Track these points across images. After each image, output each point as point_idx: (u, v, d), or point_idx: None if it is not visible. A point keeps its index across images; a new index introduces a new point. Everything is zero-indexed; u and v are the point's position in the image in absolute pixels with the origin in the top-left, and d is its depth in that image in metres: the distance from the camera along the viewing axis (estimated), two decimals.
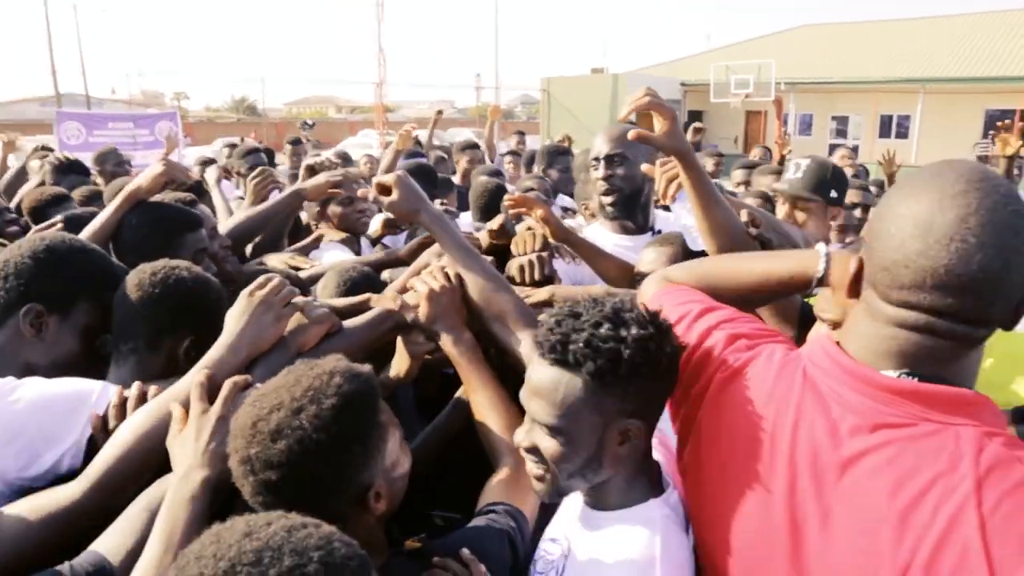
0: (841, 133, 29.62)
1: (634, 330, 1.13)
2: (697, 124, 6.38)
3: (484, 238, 2.31)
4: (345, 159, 6.71)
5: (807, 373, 1.09)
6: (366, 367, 1.23)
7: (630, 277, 2.19)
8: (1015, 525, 0.86)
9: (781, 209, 2.89)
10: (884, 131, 28.25)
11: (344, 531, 0.95)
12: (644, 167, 2.26)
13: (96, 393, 1.50)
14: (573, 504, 1.35)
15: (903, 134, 27.13)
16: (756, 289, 1.38)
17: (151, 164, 2.40)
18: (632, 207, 2.50)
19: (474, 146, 5.83)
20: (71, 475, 1.38)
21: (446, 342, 1.64)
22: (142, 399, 1.46)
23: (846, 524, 0.97)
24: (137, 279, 1.66)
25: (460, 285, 1.70)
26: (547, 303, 1.89)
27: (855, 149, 28.12)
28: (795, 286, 1.33)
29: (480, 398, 1.57)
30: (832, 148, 28.05)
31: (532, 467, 1.23)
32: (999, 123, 4.43)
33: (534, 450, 1.20)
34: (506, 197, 2.49)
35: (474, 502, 1.47)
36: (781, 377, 1.11)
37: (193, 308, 1.68)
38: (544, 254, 2.23)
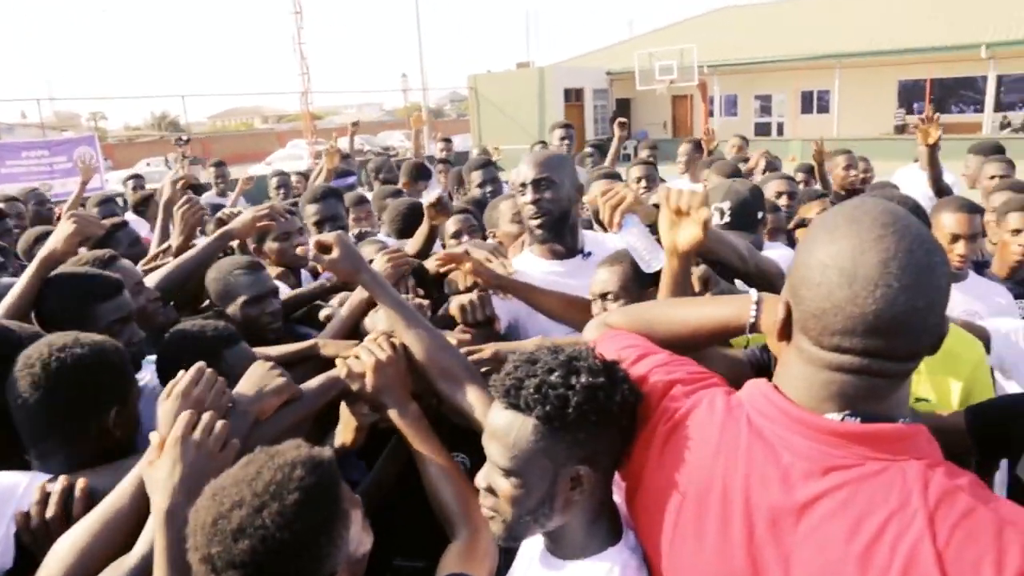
0: (765, 111, 30.38)
1: (584, 378, 1.15)
2: (620, 119, 6.38)
3: (413, 246, 2.35)
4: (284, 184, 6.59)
5: (751, 421, 1.10)
6: (327, 452, 1.20)
7: (577, 308, 2.23)
8: (968, 554, 0.90)
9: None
10: (806, 107, 29.07)
11: None
12: (587, 198, 2.28)
13: (22, 487, 1.45)
14: (533, 550, 1.34)
15: (824, 108, 27.97)
16: (693, 336, 1.40)
17: (66, 208, 2.29)
18: (561, 229, 2.51)
19: (486, 164, 5.24)
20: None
21: (393, 414, 1.63)
22: (69, 492, 1.43)
23: (807, 569, 0.99)
24: (29, 378, 1.56)
25: (405, 354, 1.70)
26: (492, 360, 1.91)
27: (780, 127, 29.13)
28: (730, 332, 1.36)
29: (431, 469, 1.56)
30: (758, 127, 28.76)
31: (486, 509, 1.25)
32: (921, 117, 4.60)
33: (490, 490, 1.22)
34: (434, 257, 2.52)
35: (436, 548, 1.46)
36: (726, 427, 1.12)
37: (106, 379, 1.62)
38: (484, 294, 2.32)
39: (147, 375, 2.13)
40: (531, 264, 2.57)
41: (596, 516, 1.24)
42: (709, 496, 1.09)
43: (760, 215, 2.90)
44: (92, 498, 1.46)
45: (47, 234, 3.27)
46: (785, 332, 1.09)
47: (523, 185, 2.44)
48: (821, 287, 1.00)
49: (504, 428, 1.18)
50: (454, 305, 2.28)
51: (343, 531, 1.15)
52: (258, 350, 2.28)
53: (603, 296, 2.16)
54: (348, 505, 1.18)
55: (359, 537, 1.20)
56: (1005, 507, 0.95)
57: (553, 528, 1.24)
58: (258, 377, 1.64)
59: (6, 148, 14.29)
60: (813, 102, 28.90)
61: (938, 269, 0.98)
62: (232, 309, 2.48)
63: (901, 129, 26.09)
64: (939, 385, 1.92)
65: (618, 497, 1.34)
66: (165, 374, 1.99)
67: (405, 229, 3.63)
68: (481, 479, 1.24)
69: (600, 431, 1.17)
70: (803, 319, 1.04)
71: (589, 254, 2.54)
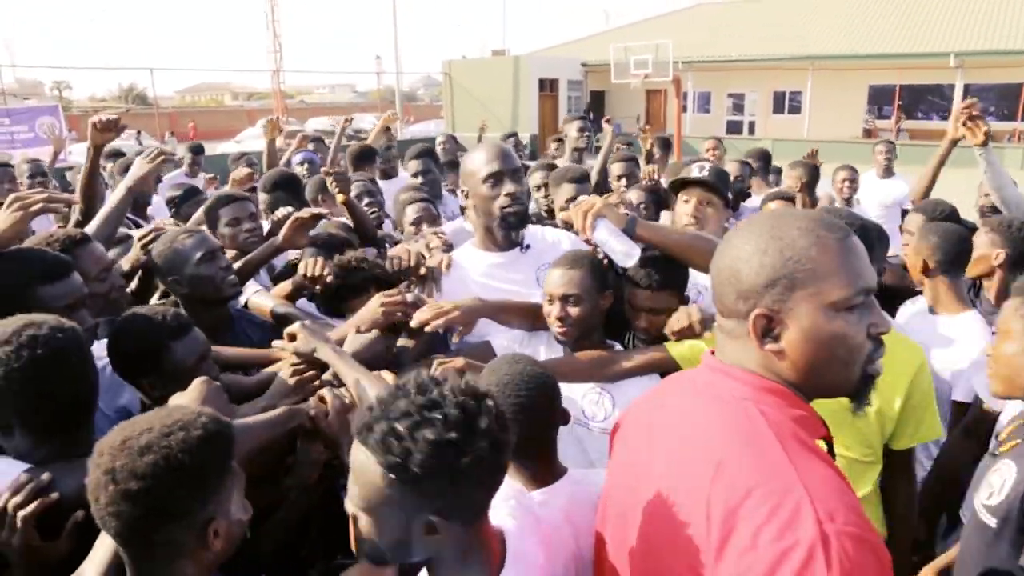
0: (738, 109, 30.65)
1: (430, 433, 1.07)
2: (606, 118, 6.40)
3: None
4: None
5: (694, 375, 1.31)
6: (230, 421, 1.35)
7: (534, 315, 2.31)
8: (738, 473, 1.04)
9: (684, 207, 2.90)
10: (778, 107, 29.40)
11: (174, 561, 1.21)
12: (562, 216, 2.35)
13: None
14: None
15: (796, 109, 28.31)
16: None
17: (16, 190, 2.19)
18: (525, 223, 2.55)
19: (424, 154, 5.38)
20: None
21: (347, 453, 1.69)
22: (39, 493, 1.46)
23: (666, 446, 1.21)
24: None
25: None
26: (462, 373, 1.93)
27: (751, 125, 29.42)
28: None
29: None
30: (730, 125, 29.00)
31: (352, 535, 1.20)
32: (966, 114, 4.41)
33: (354, 519, 1.17)
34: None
35: None
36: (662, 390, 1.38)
37: (69, 360, 1.59)
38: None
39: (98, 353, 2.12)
40: (471, 256, 2.59)
41: (467, 554, 1.19)
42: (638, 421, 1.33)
43: (728, 194, 3.01)
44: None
45: None
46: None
47: (495, 176, 2.42)
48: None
49: (357, 468, 1.13)
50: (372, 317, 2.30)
51: (229, 484, 1.28)
52: (215, 349, 2.26)
53: (564, 299, 2.18)
54: (237, 469, 1.32)
55: (240, 504, 1.31)
56: (804, 460, 1.04)
57: (420, 562, 1.19)
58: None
59: None
60: (785, 102, 29.23)
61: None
62: (188, 271, 2.45)
63: (868, 133, 26.50)
64: (881, 389, 1.92)
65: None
66: (117, 358, 1.98)
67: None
68: (347, 505, 1.17)
69: (452, 486, 1.09)
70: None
71: (528, 247, 2.56)
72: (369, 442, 1.10)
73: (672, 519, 1.09)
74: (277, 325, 2.63)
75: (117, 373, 2.01)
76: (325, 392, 1.81)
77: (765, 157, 6.16)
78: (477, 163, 2.45)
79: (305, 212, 2.76)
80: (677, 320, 2.13)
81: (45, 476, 1.46)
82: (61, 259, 2.07)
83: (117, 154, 6.40)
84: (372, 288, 2.48)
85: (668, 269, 2.21)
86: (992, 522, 1.70)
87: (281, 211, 3.32)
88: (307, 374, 1.93)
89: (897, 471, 2.22)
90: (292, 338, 2.00)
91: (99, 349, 2.06)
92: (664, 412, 1.25)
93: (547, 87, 29.47)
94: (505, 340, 2.37)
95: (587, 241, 2.26)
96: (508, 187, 2.41)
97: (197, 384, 1.69)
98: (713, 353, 1.24)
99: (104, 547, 1.37)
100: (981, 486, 1.80)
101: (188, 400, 1.64)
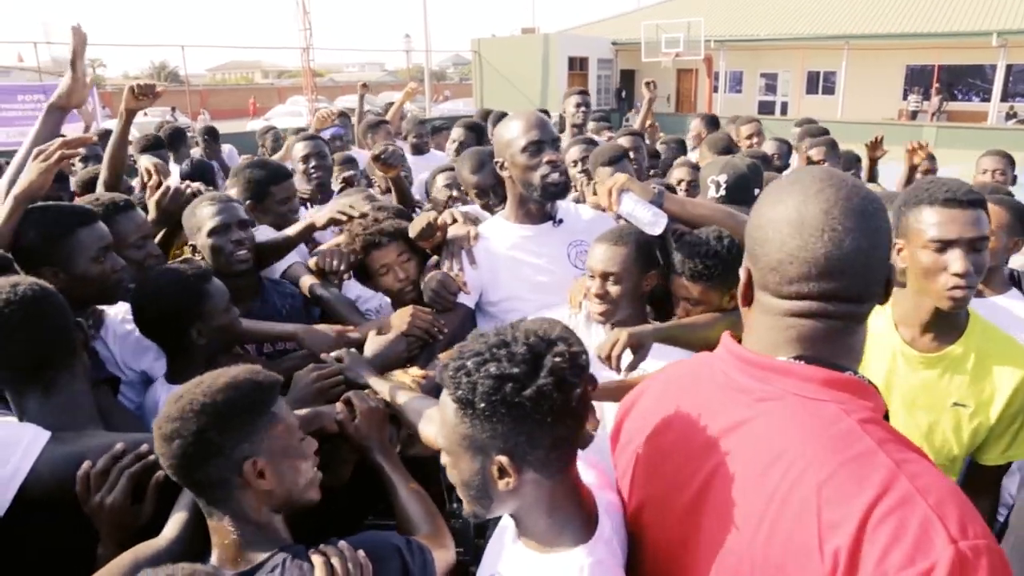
0: (771, 89, 30.16)
1: (493, 367, 1.10)
2: (648, 80, 5.97)
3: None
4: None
5: (711, 368, 1.21)
6: (273, 375, 1.46)
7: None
8: (846, 490, 0.94)
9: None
10: (811, 87, 28.87)
11: (229, 498, 1.33)
12: (591, 200, 2.35)
13: (25, 442, 1.47)
14: (506, 534, 1.33)
15: (830, 90, 27.80)
16: None
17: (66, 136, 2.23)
18: (566, 192, 2.53)
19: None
20: None
21: (376, 455, 1.79)
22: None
23: (723, 484, 1.09)
24: (15, 316, 1.55)
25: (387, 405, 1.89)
26: None
27: (784, 106, 28.94)
28: None
29: (402, 492, 1.72)
30: (762, 105, 28.56)
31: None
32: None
33: (445, 464, 1.23)
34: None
35: None
36: (684, 380, 1.26)
37: (47, 320, 1.61)
38: (447, 275, 2.44)
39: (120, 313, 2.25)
40: (499, 228, 2.57)
41: (553, 509, 1.20)
42: (668, 436, 1.23)
43: (757, 191, 2.86)
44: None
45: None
46: (747, 296, 1.16)
47: (536, 144, 2.39)
48: (774, 242, 1.08)
49: (441, 409, 1.18)
50: (426, 295, 2.38)
51: (267, 426, 1.38)
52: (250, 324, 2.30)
53: (604, 276, 2.14)
54: (282, 415, 1.42)
55: (291, 449, 1.42)
56: (909, 464, 0.96)
57: (508, 512, 1.23)
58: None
59: (2, 91, 14.08)
60: (819, 83, 28.69)
61: (877, 214, 1.06)
62: (200, 240, 2.47)
63: (914, 115, 25.95)
64: (982, 391, 1.84)
65: (593, 478, 1.34)
66: (140, 314, 2.07)
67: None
68: (442, 455, 1.23)
69: (517, 424, 1.10)
70: (762, 276, 1.11)
71: (560, 221, 2.54)
72: (445, 379, 1.15)
73: (764, 540, 1.00)
74: (310, 302, 2.64)
75: (147, 334, 2.09)
76: (352, 395, 1.84)
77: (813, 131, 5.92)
78: (515, 132, 2.42)
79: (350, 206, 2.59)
80: (601, 346, 1.95)
81: (144, 447, 1.53)
82: (86, 207, 2.18)
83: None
84: (401, 238, 2.47)
85: (710, 259, 2.12)
86: None
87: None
88: (332, 380, 1.95)
89: (979, 491, 1.89)
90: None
91: (124, 311, 2.17)
92: (712, 414, 1.15)
93: (577, 66, 29.23)
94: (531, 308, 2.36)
95: (617, 218, 2.24)
96: (549, 155, 2.39)
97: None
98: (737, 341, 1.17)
99: (182, 504, 1.50)
100: None
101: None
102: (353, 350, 2.09)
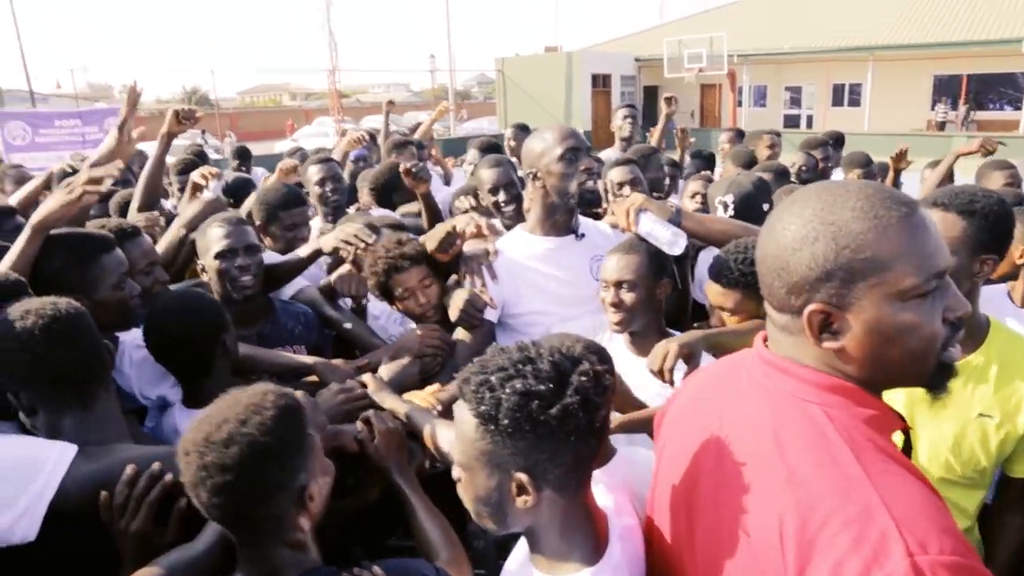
0: (795, 103, 29.98)
1: (518, 383, 1.10)
2: (668, 95, 5.85)
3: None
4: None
5: (742, 367, 1.21)
6: (292, 391, 1.43)
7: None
8: (808, 493, 0.96)
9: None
10: (837, 100, 28.66)
11: (280, 531, 1.28)
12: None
13: (52, 460, 1.48)
14: (520, 552, 1.34)
15: (855, 102, 27.56)
16: None
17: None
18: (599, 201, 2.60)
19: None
20: (25, 546, 1.44)
21: (395, 476, 1.78)
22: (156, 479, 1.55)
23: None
24: (57, 333, 1.59)
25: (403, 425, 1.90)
26: None
27: (809, 119, 28.75)
28: None
29: (420, 514, 1.71)
30: (787, 119, 28.39)
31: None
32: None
33: (457, 479, 1.22)
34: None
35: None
36: (718, 376, 1.27)
37: (87, 335, 1.66)
38: (474, 291, 2.45)
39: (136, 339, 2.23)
40: (522, 240, 2.59)
41: (565, 529, 1.19)
42: (681, 439, 1.24)
43: (766, 207, 2.87)
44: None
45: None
46: None
47: (573, 151, 2.42)
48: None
49: (457, 419, 1.18)
50: (453, 313, 2.40)
51: (311, 450, 1.35)
52: (253, 351, 2.34)
53: (618, 284, 2.17)
54: (313, 433, 1.38)
55: (324, 464, 1.39)
56: (885, 476, 0.95)
57: (520, 530, 1.22)
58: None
59: (40, 117, 14.44)
60: (844, 95, 28.47)
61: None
62: (207, 261, 2.47)
63: (942, 125, 25.62)
64: (1008, 401, 1.79)
65: (610, 499, 1.35)
66: (150, 338, 2.09)
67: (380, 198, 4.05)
68: (454, 471, 1.23)
69: (540, 442, 1.10)
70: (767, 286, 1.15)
71: (583, 235, 2.57)
72: (466, 393, 1.14)
73: (737, 532, 1.02)
74: (325, 325, 2.67)
75: (162, 359, 2.10)
76: (371, 415, 1.84)
77: (839, 140, 5.94)
78: (549, 142, 2.45)
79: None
80: (653, 358, 1.94)
81: (156, 466, 1.54)
82: (105, 234, 2.20)
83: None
84: (423, 262, 2.48)
85: (746, 266, 2.10)
86: None
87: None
88: (359, 402, 1.96)
89: (1011, 505, 1.88)
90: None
91: (138, 336, 2.19)
92: (719, 408, 1.17)
93: (600, 83, 29.33)
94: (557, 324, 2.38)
95: (636, 237, 2.27)
96: (585, 162, 2.44)
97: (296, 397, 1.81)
98: (766, 342, 1.16)
99: (212, 527, 1.48)
100: None
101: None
102: (376, 375, 2.11)
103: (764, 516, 0.97)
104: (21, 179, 5.24)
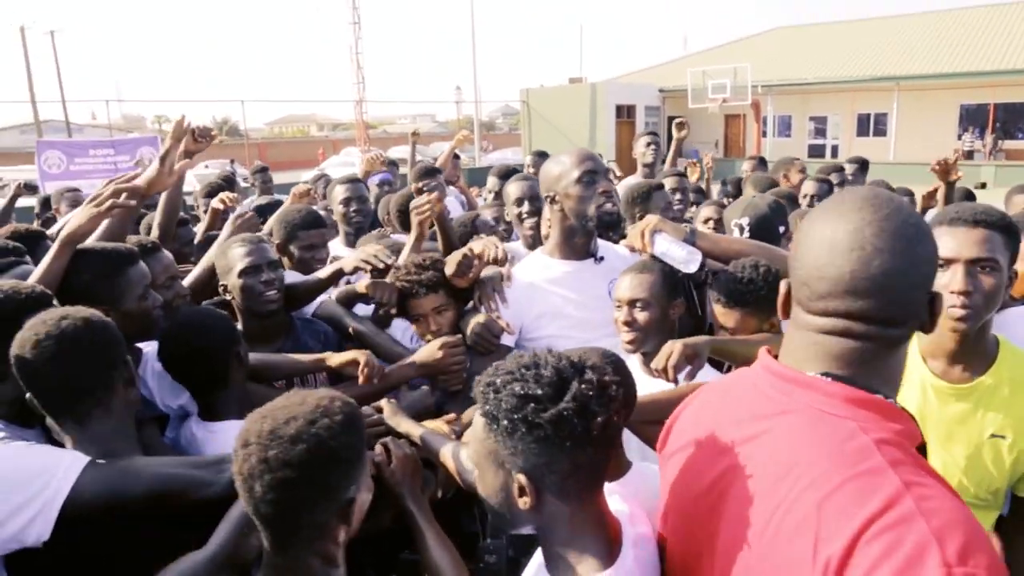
0: (820, 133, 29.89)
1: (519, 387, 1.14)
2: (679, 119, 5.82)
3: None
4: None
5: (747, 382, 1.23)
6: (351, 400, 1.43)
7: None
8: (846, 503, 0.95)
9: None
10: (862, 130, 28.53)
11: (318, 540, 1.29)
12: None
13: (64, 467, 1.55)
14: (535, 560, 1.35)
15: (881, 132, 27.42)
16: None
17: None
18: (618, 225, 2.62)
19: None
20: (37, 548, 1.51)
21: (408, 501, 1.80)
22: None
23: (739, 493, 1.11)
24: (48, 350, 1.62)
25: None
26: None
27: (834, 149, 28.64)
28: None
29: (430, 539, 1.73)
30: (812, 148, 28.29)
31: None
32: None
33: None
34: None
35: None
36: (725, 392, 1.27)
37: (111, 338, 1.71)
38: (489, 317, 2.50)
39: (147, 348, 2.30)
40: (541, 264, 2.62)
41: (572, 535, 1.21)
42: (697, 434, 1.25)
43: (782, 228, 2.89)
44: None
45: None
46: (786, 309, 1.19)
47: (591, 174, 2.46)
48: (807, 257, 1.10)
49: (473, 424, 1.23)
50: (469, 339, 2.44)
51: (364, 463, 1.37)
52: (272, 357, 2.40)
53: (631, 303, 2.20)
54: (364, 448, 1.40)
55: (369, 481, 1.40)
56: (920, 487, 0.95)
57: (531, 533, 1.25)
58: None
59: (75, 146, 14.81)
60: (870, 125, 28.34)
61: (917, 237, 1.05)
62: (231, 280, 2.52)
63: (969, 155, 25.42)
64: (1021, 420, 1.80)
65: (625, 506, 1.37)
66: (165, 353, 2.14)
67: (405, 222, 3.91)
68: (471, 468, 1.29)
69: (537, 445, 1.13)
70: (796, 290, 1.14)
71: (602, 259, 2.59)
72: (476, 393, 1.19)
73: (767, 547, 1.02)
74: (345, 338, 2.70)
75: (176, 373, 2.15)
76: (389, 442, 1.87)
77: (863, 165, 6.03)
78: (567, 165, 2.49)
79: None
80: (658, 358, 1.99)
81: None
82: (128, 247, 2.27)
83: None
84: (440, 290, 2.52)
85: (744, 285, 2.17)
86: None
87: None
88: (374, 428, 1.98)
89: (1023, 526, 1.87)
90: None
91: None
92: (737, 422, 1.17)
93: (624, 113, 29.50)
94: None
95: (652, 257, 2.30)
96: (603, 185, 2.47)
97: None
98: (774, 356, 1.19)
99: (230, 519, 1.53)
100: None
101: None
102: (393, 400, 2.13)
103: (800, 532, 0.97)
104: (76, 202, 5.42)
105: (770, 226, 2.81)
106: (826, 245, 1.07)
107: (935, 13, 29.12)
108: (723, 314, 2.21)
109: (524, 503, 1.16)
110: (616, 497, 1.38)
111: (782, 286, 1.19)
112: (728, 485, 1.13)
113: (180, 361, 2.12)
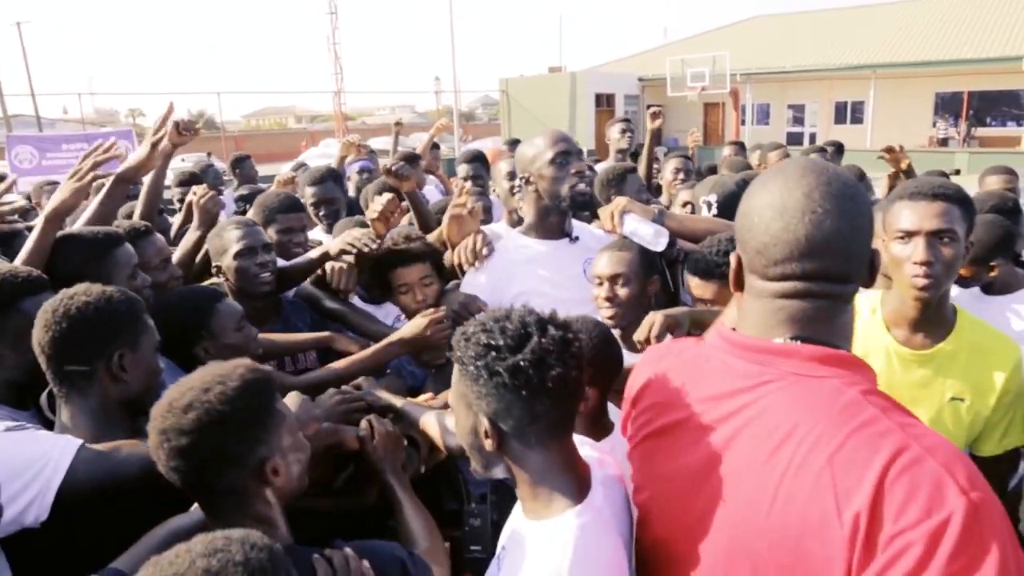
0: (798, 121, 30.13)
1: (484, 336, 1.23)
2: (654, 109, 5.70)
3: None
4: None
5: (707, 355, 1.24)
6: (267, 367, 1.48)
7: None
8: (856, 455, 0.98)
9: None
10: (840, 117, 28.78)
11: (243, 501, 1.31)
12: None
13: (58, 450, 1.56)
14: (515, 510, 1.41)
15: (858, 120, 27.68)
16: None
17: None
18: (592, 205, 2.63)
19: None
20: (35, 530, 1.53)
21: (388, 475, 1.85)
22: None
23: (733, 466, 1.13)
24: (43, 322, 1.66)
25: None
26: None
27: (812, 136, 28.88)
28: None
29: (408, 510, 1.79)
30: (790, 136, 28.51)
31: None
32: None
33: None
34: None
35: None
36: (687, 363, 1.29)
37: (110, 323, 1.71)
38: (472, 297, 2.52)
39: None
40: (518, 242, 2.66)
41: (540, 480, 1.28)
42: (674, 415, 1.25)
43: None
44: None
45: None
46: (738, 281, 1.21)
47: (564, 155, 2.49)
48: (759, 226, 1.14)
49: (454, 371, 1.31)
50: (452, 314, 2.44)
51: (275, 427, 1.39)
52: (275, 337, 2.40)
53: (612, 279, 2.26)
54: (284, 411, 1.43)
55: (294, 442, 1.43)
56: (913, 428, 1.00)
57: (502, 476, 1.32)
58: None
59: (47, 141, 14.58)
60: (847, 112, 28.60)
61: (857, 198, 1.12)
62: (226, 262, 2.58)
63: (944, 142, 25.71)
64: (977, 384, 1.91)
65: (592, 450, 1.42)
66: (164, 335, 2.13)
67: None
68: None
69: (497, 391, 1.21)
70: (750, 260, 1.17)
71: (576, 238, 2.64)
72: (453, 341, 1.28)
73: (778, 518, 1.03)
74: (325, 318, 2.75)
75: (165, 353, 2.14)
76: (373, 418, 1.91)
77: (839, 148, 6.16)
78: (540, 147, 2.53)
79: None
80: (640, 329, 2.05)
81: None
82: (112, 230, 2.29)
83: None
84: (427, 260, 2.57)
85: (721, 257, 2.23)
86: None
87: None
88: (357, 404, 2.01)
89: None
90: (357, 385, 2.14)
91: None
92: (714, 401, 1.17)
93: (604, 102, 29.53)
94: None
95: (622, 237, 2.36)
96: (576, 166, 2.50)
97: (290, 397, 1.85)
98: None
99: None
100: None
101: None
102: (370, 378, 2.16)
103: (816, 491, 0.99)
104: None
105: (737, 203, 2.87)
106: (777, 212, 1.11)
107: (911, 2, 29.32)
108: (701, 287, 2.27)
109: (489, 445, 1.26)
110: (587, 446, 1.45)
111: (732, 260, 1.22)
112: (715, 464, 1.14)
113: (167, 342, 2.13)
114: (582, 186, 2.50)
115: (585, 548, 1.21)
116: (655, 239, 2.26)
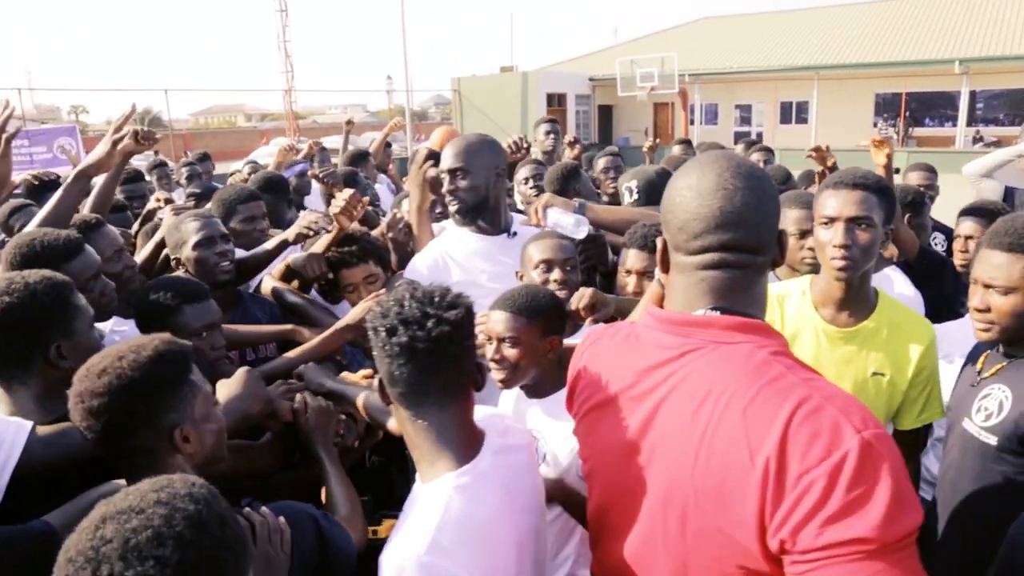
0: (745, 120, 30.74)
1: (383, 306, 1.40)
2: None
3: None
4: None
5: (637, 333, 1.37)
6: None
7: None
8: (766, 407, 1.10)
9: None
10: (785, 117, 29.48)
11: (155, 464, 1.38)
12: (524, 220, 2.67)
13: (11, 433, 1.57)
14: None
15: (803, 119, 28.38)
16: None
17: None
18: (478, 213, 2.74)
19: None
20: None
21: (318, 446, 1.97)
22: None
23: (662, 431, 1.25)
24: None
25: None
26: None
27: (759, 136, 29.49)
28: None
29: (333, 481, 1.91)
30: (737, 136, 29.06)
31: None
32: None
33: None
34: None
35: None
36: (620, 342, 1.41)
37: (40, 319, 1.71)
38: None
39: (107, 328, 2.39)
40: (460, 238, 2.80)
41: (426, 440, 1.41)
42: (610, 389, 1.37)
43: None
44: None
45: (22, 207, 3.43)
46: (664, 262, 1.35)
47: (450, 172, 2.69)
48: (679, 206, 1.27)
49: None
50: None
51: (188, 395, 1.49)
52: (240, 328, 2.48)
53: (563, 264, 2.41)
54: (198, 382, 1.53)
55: (207, 411, 1.53)
56: (814, 381, 1.14)
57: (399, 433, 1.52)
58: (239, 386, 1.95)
59: None
60: (792, 112, 29.31)
61: (763, 179, 1.26)
62: (185, 254, 2.63)
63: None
64: (896, 360, 2.07)
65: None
66: (142, 319, 2.23)
67: None
68: None
69: (377, 352, 1.39)
70: (673, 238, 1.29)
71: (515, 234, 2.78)
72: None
73: (703, 469, 1.14)
74: (285, 312, 2.82)
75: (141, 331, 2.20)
76: (307, 395, 2.04)
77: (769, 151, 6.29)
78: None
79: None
80: (573, 299, 2.20)
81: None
82: (72, 236, 2.24)
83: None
84: (370, 260, 2.73)
85: (653, 231, 2.43)
86: (993, 440, 1.85)
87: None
88: (296, 385, 2.10)
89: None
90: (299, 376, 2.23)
91: (114, 324, 2.35)
92: (643, 373, 1.28)
93: (555, 102, 29.73)
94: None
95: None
96: (447, 184, 2.73)
97: (240, 372, 1.95)
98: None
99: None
100: (972, 412, 1.94)
101: (231, 388, 1.90)
102: (311, 364, 2.24)
103: (733, 442, 1.10)
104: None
105: (656, 189, 3.13)
106: (695, 192, 1.24)
107: (853, 5, 30.21)
108: (639, 257, 2.50)
109: (389, 409, 1.46)
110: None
111: (658, 243, 1.36)
112: (647, 429, 1.26)
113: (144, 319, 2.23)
114: (452, 207, 2.74)
115: (458, 508, 1.32)
116: (576, 228, 2.51)
